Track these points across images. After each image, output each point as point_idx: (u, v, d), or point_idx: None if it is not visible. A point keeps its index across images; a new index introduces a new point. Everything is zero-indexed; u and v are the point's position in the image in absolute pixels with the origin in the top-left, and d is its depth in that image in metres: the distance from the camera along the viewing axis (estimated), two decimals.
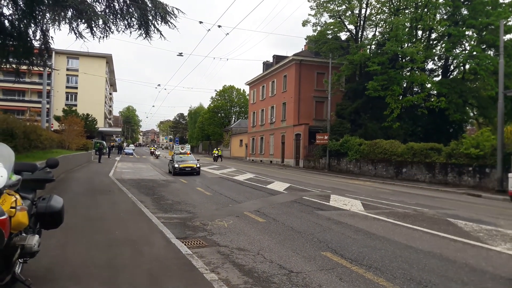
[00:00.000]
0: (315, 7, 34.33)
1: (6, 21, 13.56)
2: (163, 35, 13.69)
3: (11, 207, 3.17)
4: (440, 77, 32.22)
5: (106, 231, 7.14)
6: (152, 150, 59.58)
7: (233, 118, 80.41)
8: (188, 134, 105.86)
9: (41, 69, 18.60)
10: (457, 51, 29.84)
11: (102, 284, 4.37)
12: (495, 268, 5.74)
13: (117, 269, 4.91)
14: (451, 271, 5.54)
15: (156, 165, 33.34)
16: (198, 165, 23.46)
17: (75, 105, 56.45)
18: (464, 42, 29.56)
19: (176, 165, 22.92)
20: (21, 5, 12.89)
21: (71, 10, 11.98)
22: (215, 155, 46.81)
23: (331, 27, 34.01)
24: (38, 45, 14.50)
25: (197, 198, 12.92)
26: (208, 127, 78.57)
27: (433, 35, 31.30)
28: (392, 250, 6.59)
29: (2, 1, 12.85)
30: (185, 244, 6.49)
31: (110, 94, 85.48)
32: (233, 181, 19.91)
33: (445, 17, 29.69)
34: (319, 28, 34.63)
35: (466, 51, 29.15)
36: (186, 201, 12.07)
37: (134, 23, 13.24)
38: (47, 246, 5.18)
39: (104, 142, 50.35)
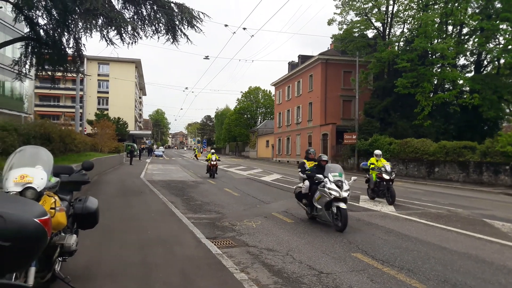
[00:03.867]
0: (341, 6, 34.03)
1: (41, 31, 14.20)
2: (189, 39, 13.92)
3: (51, 208, 3.32)
4: (472, 73, 31.16)
5: (139, 231, 7.33)
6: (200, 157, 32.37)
7: (259, 119, 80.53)
8: (215, 136, 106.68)
9: (74, 75, 19.35)
10: (491, 45, 28.76)
11: (137, 283, 4.50)
12: None
13: (151, 268, 5.04)
14: (488, 273, 5.37)
15: (185, 166, 33.83)
16: None
17: (107, 109, 58.21)
18: (498, 36, 28.47)
19: None
20: (55, 15, 13.46)
21: (102, 18, 12.39)
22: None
23: (358, 25, 33.57)
24: (71, 53, 15.10)
25: (225, 199, 13.03)
26: (234, 129, 79.00)
27: (465, 30, 30.32)
28: (425, 251, 6.45)
29: (38, 12, 13.45)
30: (215, 244, 6.58)
31: (140, 98, 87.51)
32: (260, 181, 19.96)
33: (477, 11, 28.68)
34: (345, 27, 34.27)
35: (501, 45, 28.05)
36: (215, 202, 12.20)
37: (162, 28, 13.54)
38: (84, 245, 5.36)
39: (135, 145, 51.58)
